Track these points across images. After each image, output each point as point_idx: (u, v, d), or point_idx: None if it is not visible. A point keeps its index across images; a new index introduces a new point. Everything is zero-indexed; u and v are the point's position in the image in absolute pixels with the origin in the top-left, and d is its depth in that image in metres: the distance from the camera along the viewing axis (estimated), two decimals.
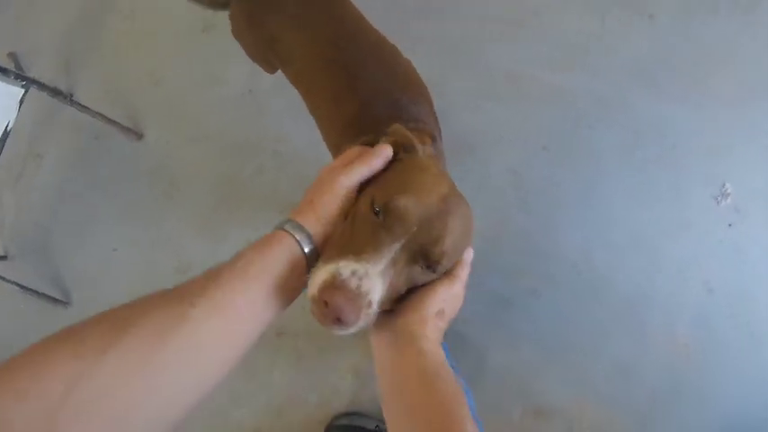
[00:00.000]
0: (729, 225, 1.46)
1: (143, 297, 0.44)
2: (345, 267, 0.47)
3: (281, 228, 0.52)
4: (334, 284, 0.46)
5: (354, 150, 0.60)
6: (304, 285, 0.50)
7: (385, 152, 0.58)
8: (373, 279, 0.47)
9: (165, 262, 1.53)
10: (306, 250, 0.51)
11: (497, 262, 1.46)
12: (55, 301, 1.55)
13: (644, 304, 1.45)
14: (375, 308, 0.48)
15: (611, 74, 1.51)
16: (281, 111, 1.52)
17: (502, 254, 1.46)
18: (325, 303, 0.46)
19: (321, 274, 0.47)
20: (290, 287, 0.50)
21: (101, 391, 0.37)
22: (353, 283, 0.46)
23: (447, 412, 0.45)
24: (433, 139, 0.90)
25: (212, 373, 0.44)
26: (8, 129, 1.41)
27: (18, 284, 1.51)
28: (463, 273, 0.58)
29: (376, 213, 0.51)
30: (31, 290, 1.52)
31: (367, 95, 0.91)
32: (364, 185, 0.57)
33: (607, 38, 1.52)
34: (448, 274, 0.57)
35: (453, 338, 1.43)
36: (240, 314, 0.46)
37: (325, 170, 0.58)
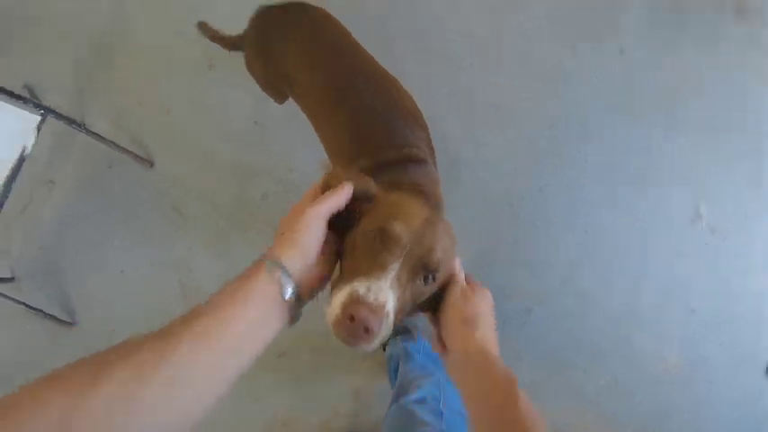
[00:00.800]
0: (706, 245, 1.54)
1: (127, 339, 0.45)
2: (361, 285, 0.54)
3: (260, 262, 0.53)
4: (356, 300, 0.53)
5: (317, 188, 0.65)
6: (285, 318, 0.54)
7: (347, 190, 0.62)
8: (385, 292, 0.55)
9: (173, 284, 1.58)
10: (284, 282, 0.53)
11: (490, 283, 1.51)
12: (61, 321, 1.59)
13: (632, 323, 1.51)
14: (391, 317, 0.55)
15: (586, 100, 1.63)
16: (285, 141, 1.62)
17: (493, 275, 1.53)
18: (351, 318, 0.52)
19: (340, 296, 0.55)
20: (273, 318, 0.52)
21: (92, 424, 0.38)
22: (371, 297, 0.54)
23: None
24: (425, 163, 0.98)
25: (199, 404, 0.45)
26: (25, 153, 1.48)
27: (25, 304, 1.54)
28: (457, 276, 0.65)
29: (373, 240, 0.60)
30: (37, 310, 1.56)
31: (366, 121, 1.00)
32: (340, 225, 0.63)
33: (581, 68, 1.65)
34: (448, 292, 0.64)
35: None
36: (224, 345, 0.47)
37: (296, 207, 0.62)
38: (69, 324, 1.60)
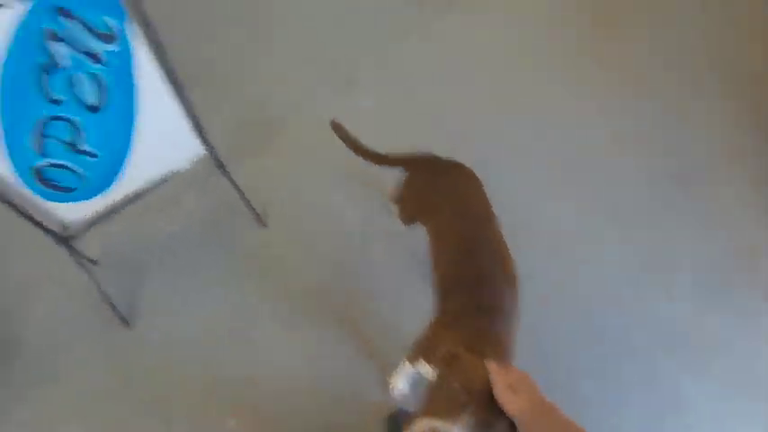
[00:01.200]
0: None
1: None
2: (438, 424, 0.79)
3: None
4: None
5: None
6: None
7: None
8: None
9: (235, 336, 1.72)
10: None
11: None
12: (120, 317, 1.70)
13: None
14: None
15: (630, 329, 1.84)
16: (379, 259, 1.86)
17: None
18: None
19: (421, 425, 0.80)
20: None
21: None
22: None
23: None
24: (509, 316, 1.22)
25: None
26: (175, 171, 1.70)
27: (99, 286, 1.67)
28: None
29: (456, 392, 0.83)
30: (108, 297, 1.69)
31: (476, 267, 1.25)
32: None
33: (635, 300, 1.90)
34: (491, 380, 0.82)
35: None
36: None
37: None
38: (125, 324, 1.71)
